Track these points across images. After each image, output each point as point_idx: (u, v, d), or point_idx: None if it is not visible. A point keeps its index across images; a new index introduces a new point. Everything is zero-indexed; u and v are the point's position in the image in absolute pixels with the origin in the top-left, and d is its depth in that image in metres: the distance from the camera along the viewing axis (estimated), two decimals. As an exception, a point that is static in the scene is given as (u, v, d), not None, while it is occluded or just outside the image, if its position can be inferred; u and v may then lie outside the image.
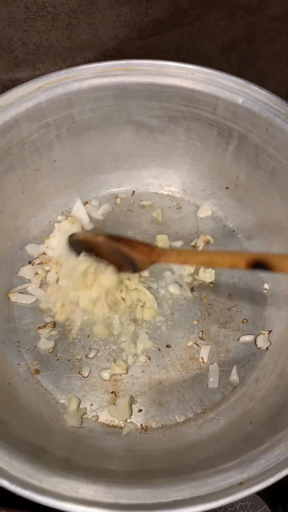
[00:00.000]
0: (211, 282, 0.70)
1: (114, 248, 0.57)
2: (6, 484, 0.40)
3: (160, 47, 0.69)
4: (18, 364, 0.63)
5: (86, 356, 0.64)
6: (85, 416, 0.60)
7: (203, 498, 0.40)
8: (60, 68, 0.62)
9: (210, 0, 0.65)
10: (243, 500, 0.59)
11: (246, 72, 0.77)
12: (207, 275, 0.69)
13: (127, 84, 0.65)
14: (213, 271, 0.69)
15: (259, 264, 0.50)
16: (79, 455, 0.52)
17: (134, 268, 0.58)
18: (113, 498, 0.40)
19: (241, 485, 0.40)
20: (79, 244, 0.61)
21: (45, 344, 0.65)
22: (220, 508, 0.59)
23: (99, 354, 0.65)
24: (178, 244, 0.73)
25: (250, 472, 0.41)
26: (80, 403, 0.61)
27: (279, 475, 0.40)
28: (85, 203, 0.76)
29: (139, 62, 0.64)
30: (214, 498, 0.39)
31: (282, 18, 0.70)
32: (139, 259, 0.57)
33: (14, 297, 0.67)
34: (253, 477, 0.41)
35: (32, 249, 0.71)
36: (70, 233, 0.63)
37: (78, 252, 0.61)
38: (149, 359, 0.64)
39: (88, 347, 0.65)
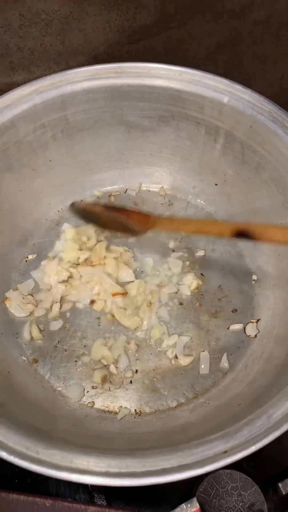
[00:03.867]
0: (201, 274, 0.72)
1: (112, 216, 0.60)
2: (4, 455, 0.42)
3: (149, 51, 0.73)
4: (21, 354, 0.66)
5: (83, 346, 0.67)
6: (81, 402, 0.63)
7: (189, 466, 0.42)
8: (54, 72, 0.66)
9: (195, 5, 0.68)
10: (234, 481, 0.61)
11: (232, 74, 0.80)
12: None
13: (118, 86, 0.68)
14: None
15: (243, 233, 0.50)
16: (76, 437, 0.55)
17: (132, 233, 0.62)
18: (105, 467, 0.43)
19: (225, 453, 0.43)
20: (80, 213, 0.64)
21: (38, 333, 0.68)
22: (212, 489, 0.61)
23: (95, 343, 0.67)
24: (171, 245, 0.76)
25: (233, 442, 0.44)
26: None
27: (260, 443, 0.43)
28: (80, 201, 0.79)
29: (129, 64, 0.67)
30: (200, 465, 0.42)
31: (265, 22, 0.73)
32: (135, 226, 0.60)
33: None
34: (236, 446, 0.43)
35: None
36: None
37: (82, 219, 0.65)
38: (138, 347, 0.67)
39: (84, 338, 0.68)
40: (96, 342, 0.67)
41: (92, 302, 0.70)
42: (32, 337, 0.67)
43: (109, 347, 0.66)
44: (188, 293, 0.71)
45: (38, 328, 0.68)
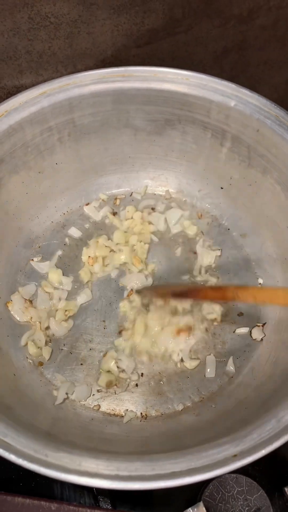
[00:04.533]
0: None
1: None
2: (13, 458, 0.42)
3: (156, 54, 0.73)
4: (27, 357, 0.65)
5: (89, 349, 0.67)
6: (87, 405, 0.63)
7: (199, 470, 0.42)
8: (62, 75, 0.66)
9: (202, 10, 0.68)
10: (240, 485, 0.61)
11: (238, 78, 0.80)
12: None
13: (125, 90, 0.68)
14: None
15: None
16: (83, 439, 0.55)
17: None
18: (114, 470, 0.42)
19: (235, 457, 0.42)
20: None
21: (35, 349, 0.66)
22: (217, 493, 0.61)
23: (100, 346, 0.67)
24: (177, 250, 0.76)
25: (243, 445, 0.44)
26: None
27: (270, 447, 0.43)
28: (86, 204, 0.79)
29: (136, 68, 0.67)
30: (209, 469, 0.42)
31: (271, 27, 0.74)
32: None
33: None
34: (246, 450, 0.43)
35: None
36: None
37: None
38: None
39: (89, 340, 0.68)
40: (106, 356, 0.66)
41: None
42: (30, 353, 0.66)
43: (117, 359, 0.66)
44: (194, 296, 0.71)
45: (36, 345, 0.66)
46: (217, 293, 0.57)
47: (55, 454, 0.43)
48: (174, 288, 0.59)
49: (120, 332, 0.68)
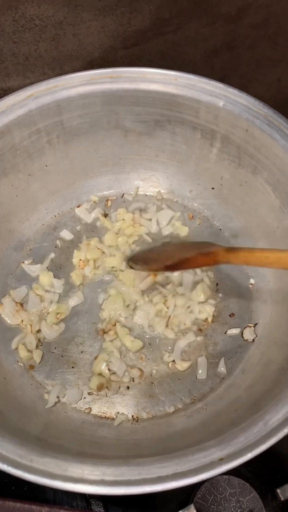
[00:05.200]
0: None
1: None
2: (-2, 464, 0.42)
3: (144, 55, 0.72)
4: (17, 361, 0.65)
5: (80, 351, 0.67)
6: (78, 408, 0.63)
7: (184, 474, 0.42)
8: (49, 77, 0.65)
9: (190, 9, 0.68)
10: (232, 487, 0.61)
11: (229, 77, 0.80)
12: None
13: (113, 91, 0.68)
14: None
15: None
16: (73, 443, 0.55)
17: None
18: (100, 475, 0.42)
19: (221, 460, 0.42)
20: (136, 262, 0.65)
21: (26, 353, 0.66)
22: (210, 495, 0.60)
23: (91, 349, 0.67)
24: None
25: (229, 449, 0.43)
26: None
27: (256, 450, 0.42)
28: (78, 206, 0.79)
29: (125, 69, 0.67)
30: (195, 473, 0.42)
31: (260, 26, 0.73)
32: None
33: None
34: (232, 453, 0.43)
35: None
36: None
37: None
38: (143, 357, 0.67)
39: (81, 343, 0.67)
40: (98, 358, 0.66)
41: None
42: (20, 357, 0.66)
43: (108, 361, 0.66)
44: (185, 297, 0.71)
45: (26, 348, 0.66)
46: (208, 259, 0.55)
47: (41, 459, 0.43)
48: (166, 261, 0.58)
49: (102, 335, 0.68)
